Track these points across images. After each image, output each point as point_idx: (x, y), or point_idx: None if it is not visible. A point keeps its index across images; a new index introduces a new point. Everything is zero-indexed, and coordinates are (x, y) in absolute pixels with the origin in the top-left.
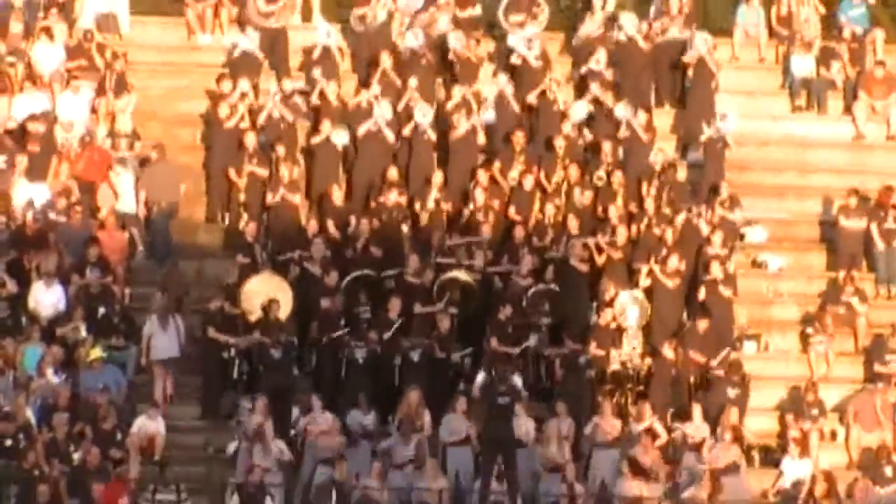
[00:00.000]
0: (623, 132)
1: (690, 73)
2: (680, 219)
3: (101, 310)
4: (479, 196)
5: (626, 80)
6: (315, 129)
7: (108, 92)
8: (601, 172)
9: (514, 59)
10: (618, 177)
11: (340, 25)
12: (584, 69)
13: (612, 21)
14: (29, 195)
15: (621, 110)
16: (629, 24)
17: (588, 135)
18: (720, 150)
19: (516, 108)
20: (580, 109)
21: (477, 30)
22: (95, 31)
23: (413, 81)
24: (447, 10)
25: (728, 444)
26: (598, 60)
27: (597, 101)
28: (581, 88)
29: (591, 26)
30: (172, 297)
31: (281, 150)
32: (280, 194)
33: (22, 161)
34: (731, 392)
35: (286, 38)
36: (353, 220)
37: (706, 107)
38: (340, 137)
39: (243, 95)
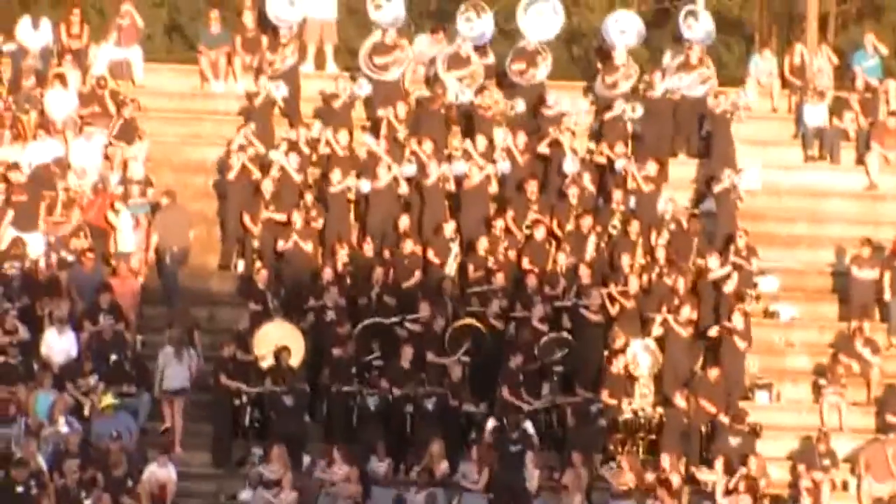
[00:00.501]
0: (630, 183)
1: (707, 123)
2: (714, 268)
3: (113, 356)
4: (492, 245)
5: (648, 131)
6: (325, 177)
7: (113, 138)
8: (616, 221)
9: (548, 112)
10: (634, 226)
11: (349, 73)
12: (608, 115)
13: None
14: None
15: (620, 163)
16: (665, 83)
17: (590, 185)
18: (732, 201)
19: (520, 160)
20: (571, 164)
21: (490, 78)
22: (109, 77)
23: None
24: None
25: (741, 495)
26: (634, 108)
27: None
28: (598, 136)
29: (622, 82)
30: (183, 331)
31: (308, 197)
32: (293, 241)
33: (9, 212)
34: (734, 441)
35: (298, 86)
36: (367, 269)
37: (729, 158)
38: (365, 185)
39: (243, 146)
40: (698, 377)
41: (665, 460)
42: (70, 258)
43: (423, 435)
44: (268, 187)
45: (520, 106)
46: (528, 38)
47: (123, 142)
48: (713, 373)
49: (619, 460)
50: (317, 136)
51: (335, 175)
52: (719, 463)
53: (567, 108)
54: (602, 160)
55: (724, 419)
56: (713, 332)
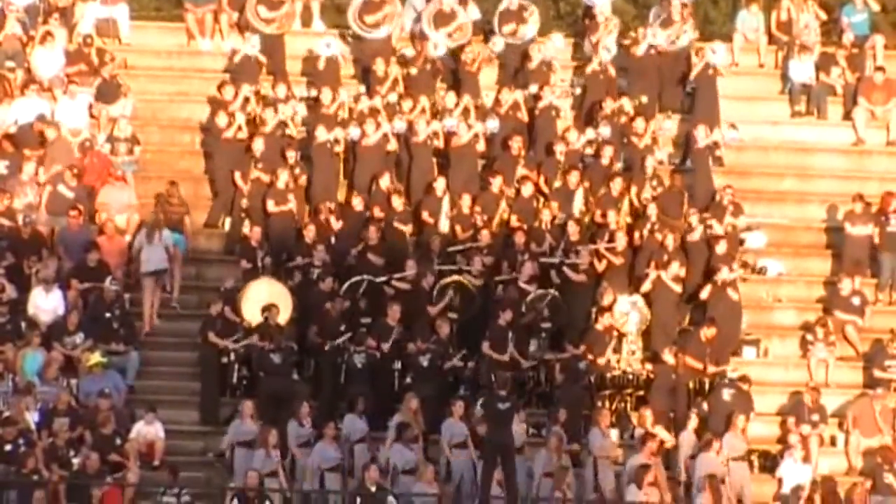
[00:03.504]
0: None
1: (691, 79)
2: (694, 226)
3: (107, 315)
4: (480, 202)
5: (633, 87)
6: (310, 135)
7: (93, 98)
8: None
9: (532, 65)
10: (618, 183)
11: (338, 31)
12: (589, 69)
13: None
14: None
15: (606, 131)
16: (647, 40)
17: (582, 139)
18: (708, 158)
19: (525, 117)
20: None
21: (476, 35)
22: (95, 36)
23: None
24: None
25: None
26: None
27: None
28: (583, 94)
29: (605, 38)
30: (158, 212)
31: (291, 155)
32: (281, 200)
33: None
34: (738, 398)
35: (283, 44)
36: (354, 226)
37: (712, 114)
38: (354, 133)
39: (246, 101)
40: (688, 334)
41: (651, 418)
42: (57, 217)
43: (413, 391)
44: (258, 147)
45: (499, 45)
46: None
47: (102, 102)
48: (709, 332)
49: (604, 418)
50: (305, 94)
51: (320, 132)
52: (693, 418)
53: (551, 54)
54: None
55: (732, 374)
56: (705, 292)
